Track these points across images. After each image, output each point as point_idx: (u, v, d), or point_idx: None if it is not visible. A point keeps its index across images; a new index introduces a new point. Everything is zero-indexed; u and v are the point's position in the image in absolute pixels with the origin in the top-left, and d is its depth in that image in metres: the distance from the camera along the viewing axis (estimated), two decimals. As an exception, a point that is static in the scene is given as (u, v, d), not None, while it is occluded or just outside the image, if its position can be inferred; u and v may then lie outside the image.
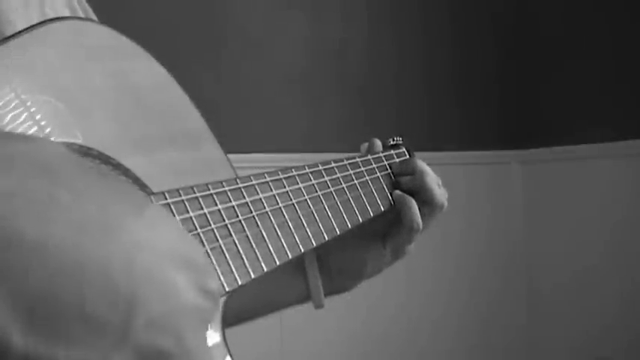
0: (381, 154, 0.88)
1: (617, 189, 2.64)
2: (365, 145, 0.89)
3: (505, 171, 2.93)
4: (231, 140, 2.31)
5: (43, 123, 0.50)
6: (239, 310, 0.84)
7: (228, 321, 0.82)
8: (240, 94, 2.46)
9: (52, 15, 0.66)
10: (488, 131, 2.91)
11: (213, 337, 0.59)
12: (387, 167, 0.88)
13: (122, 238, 0.31)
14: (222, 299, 0.61)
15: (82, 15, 0.73)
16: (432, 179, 0.85)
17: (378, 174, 0.86)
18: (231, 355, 0.60)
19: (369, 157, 0.86)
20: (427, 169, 0.86)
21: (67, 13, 0.70)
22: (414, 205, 0.83)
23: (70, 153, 0.33)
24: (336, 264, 0.86)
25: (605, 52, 2.72)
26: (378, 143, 0.90)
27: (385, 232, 0.86)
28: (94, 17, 0.76)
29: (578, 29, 2.81)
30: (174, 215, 0.54)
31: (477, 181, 2.86)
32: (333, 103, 2.62)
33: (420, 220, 0.83)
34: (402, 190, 0.86)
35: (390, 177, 0.88)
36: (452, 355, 2.80)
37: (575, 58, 2.81)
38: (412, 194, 0.85)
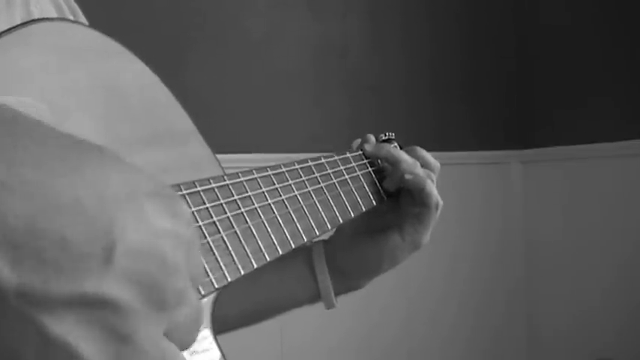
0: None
1: (618, 189, 2.64)
2: (357, 142, 0.90)
3: (506, 171, 2.93)
4: (234, 141, 2.33)
5: None
6: (249, 311, 0.85)
7: (237, 322, 0.83)
8: (244, 95, 2.46)
9: (37, 14, 0.66)
10: (488, 131, 2.91)
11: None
12: (378, 162, 0.88)
13: (89, 176, 0.33)
14: (212, 296, 0.61)
15: (69, 14, 0.73)
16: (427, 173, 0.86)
17: (369, 169, 0.86)
18: (222, 352, 0.60)
19: (360, 152, 0.86)
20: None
21: (53, 12, 0.70)
22: (430, 181, 0.83)
23: (21, 112, 0.35)
24: (350, 264, 0.86)
25: (605, 52, 2.72)
26: (372, 139, 0.91)
27: (400, 220, 0.85)
28: (82, 16, 0.76)
29: (578, 29, 2.81)
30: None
31: (478, 181, 2.86)
32: (337, 102, 2.63)
33: (439, 196, 0.84)
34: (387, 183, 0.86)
35: (383, 171, 0.88)
36: (450, 350, 2.79)
37: (575, 58, 2.81)
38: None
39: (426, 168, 0.85)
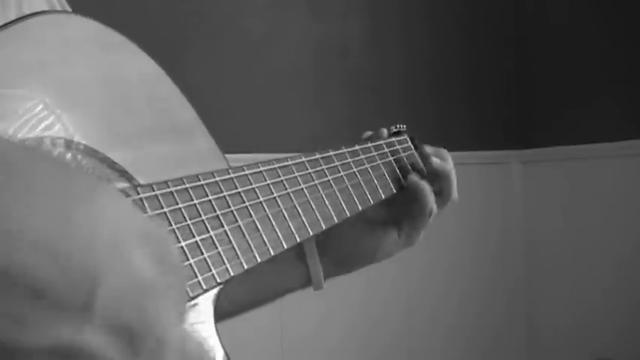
0: (382, 142, 0.87)
1: (618, 189, 2.64)
2: (368, 133, 0.89)
3: (506, 171, 2.92)
4: (234, 141, 2.33)
5: (24, 118, 0.49)
6: (240, 297, 0.84)
7: (230, 310, 0.82)
8: (244, 94, 2.45)
9: None
10: (489, 131, 2.91)
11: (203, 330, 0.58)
12: (388, 154, 0.87)
13: (76, 218, 0.31)
14: (215, 291, 0.60)
15: None
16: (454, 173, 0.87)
17: (379, 161, 0.84)
18: (225, 350, 0.60)
19: (370, 144, 0.85)
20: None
21: None
22: (429, 189, 0.84)
23: (20, 143, 0.34)
24: (345, 250, 0.86)
25: (605, 51, 2.71)
26: (385, 133, 0.90)
27: (399, 218, 0.86)
28: None
29: (578, 29, 2.81)
30: (162, 207, 0.53)
31: (478, 181, 2.85)
32: (337, 102, 2.62)
33: (434, 206, 0.84)
34: (421, 174, 0.86)
35: (392, 164, 0.87)
36: (448, 340, 2.79)
37: (575, 58, 2.81)
38: (430, 181, 0.86)
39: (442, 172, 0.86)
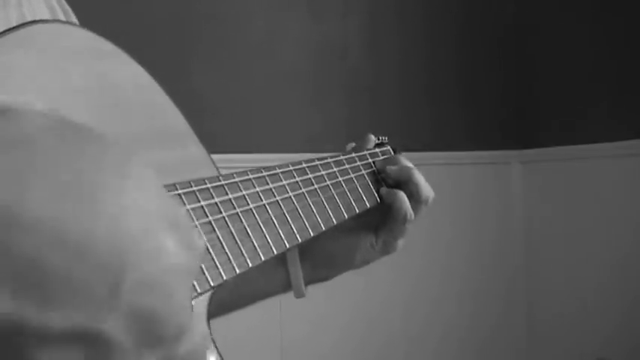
0: (366, 152, 0.89)
1: (618, 189, 2.64)
2: (351, 145, 0.91)
3: (505, 171, 2.93)
4: (234, 141, 2.34)
5: None
6: (221, 299, 0.85)
7: (212, 312, 0.83)
8: (244, 95, 2.47)
9: (29, 16, 0.67)
10: (488, 131, 2.92)
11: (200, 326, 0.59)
12: (372, 164, 0.88)
13: (105, 203, 0.31)
14: (208, 294, 0.62)
15: (61, 15, 0.74)
16: (418, 173, 0.86)
17: (363, 171, 0.86)
18: (218, 350, 0.61)
19: (354, 155, 0.87)
20: (411, 164, 0.88)
21: (45, 14, 0.71)
22: (402, 196, 0.84)
23: (46, 121, 0.33)
24: (324, 253, 0.87)
25: (605, 52, 2.72)
26: (372, 139, 0.91)
27: (377, 224, 0.87)
28: (74, 17, 0.76)
29: (578, 30, 2.81)
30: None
31: (478, 181, 2.86)
32: (336, 103, 2.63)
33: (410, 209, 0.84)
34: (388, 185, 0.87)
35: (375, 174, 0.88)
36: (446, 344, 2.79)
37: (575, 58, 2.82)
38: (398, 188, 0.86)
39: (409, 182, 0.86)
